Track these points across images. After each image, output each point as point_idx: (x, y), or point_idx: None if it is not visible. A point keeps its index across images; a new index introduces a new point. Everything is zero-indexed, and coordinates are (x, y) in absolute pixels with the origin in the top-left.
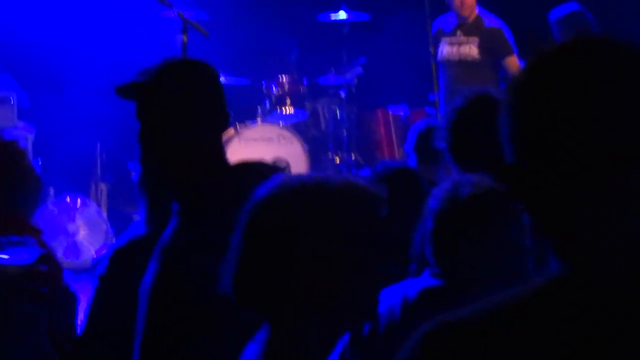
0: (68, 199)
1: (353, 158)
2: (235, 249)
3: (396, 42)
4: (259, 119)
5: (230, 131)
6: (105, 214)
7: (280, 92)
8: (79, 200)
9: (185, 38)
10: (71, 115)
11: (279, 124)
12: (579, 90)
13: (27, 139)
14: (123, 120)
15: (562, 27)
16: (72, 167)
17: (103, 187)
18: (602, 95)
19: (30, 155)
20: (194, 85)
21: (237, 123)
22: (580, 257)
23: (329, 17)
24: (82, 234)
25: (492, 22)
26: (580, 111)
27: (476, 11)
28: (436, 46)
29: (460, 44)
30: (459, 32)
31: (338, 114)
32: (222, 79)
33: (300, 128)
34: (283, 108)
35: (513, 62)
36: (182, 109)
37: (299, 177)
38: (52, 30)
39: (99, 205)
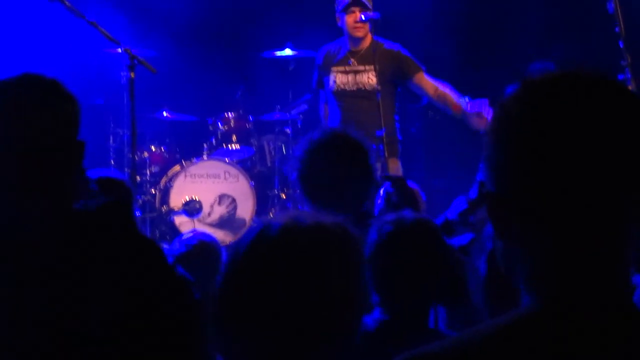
0: None
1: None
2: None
3: None
4: (205, 156)
5: (176, 168)
6: None
7: (226, 129)
8: None
9: (132, 74)
10: None
11: (225, 161)
12: (567, 129)
13: None
14: None
15: None
16: None
17: None
18: (590, 136)
19: None
20: None
21: (182, 160)
22: (555, 288)
23: (274, 54)
24: None
25: (389, 45)
26: (568, 150)
27: (370, 36)
28: (323, 76)
29: (356, 72)
30: (353, 60)
31: (284, 150)
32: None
33: (246, 164)
34: (229, 144)
35: (424, 80)
36: None
37: (275, 223)
38: None
39: None
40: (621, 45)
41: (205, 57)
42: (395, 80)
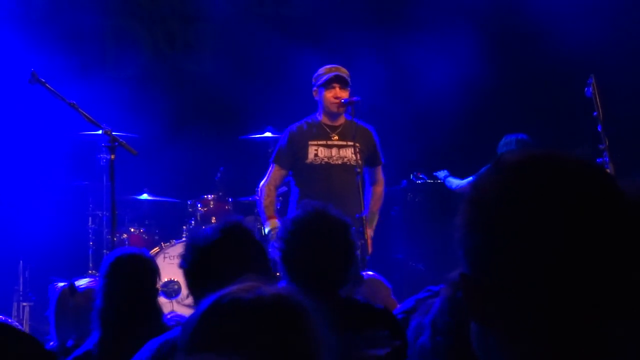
0: None
1: (278, 274)
2: None
3: None
4: (184, 237)
5: (155, 249)
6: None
7: (205, 210)
8: None
9: (112, 156)
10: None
11: None
12: (543, 213)
13: None
14: (46, 237)
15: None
16: None
17: (25, 305)
18: (567, 223)
19: None
20: None
21: (161, 241)
22: None
23: (254, 136)
24: None
25: (364, 124)
26: (545, 235)
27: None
28: (297, 152)
29: (339, 146)
30: (333, 135)
31: (263, 232)
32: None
33: None
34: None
35: (379, 173)
36: None
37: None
38: None
39: (21, 324)
40: (599, 129)
41: (185, 139)
42: (368, 159)
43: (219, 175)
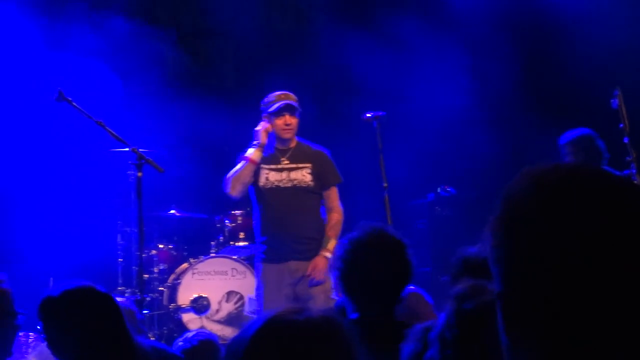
0: (21, 335)
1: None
2: None
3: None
4: (212, 253)
5: (184, 265)
6: None
7: (233, 226)
8: (31, 336)
9: (139, 173)
10: (24, 252)
11: (233, 258)
12: (580, 231)
13: None
14: (76, 254)
15: (571, 150)
16: (25, 302)
17: None
18: (605, 241)
19: None
20: None
21: (190, 257)
22: None
23: None
24: None
25: (316, 146)
26: (583, 252)
27: (294, 137)
28: (254, 174)
29: (290, 169)
30: (283, 159)
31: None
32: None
33: (253, 261)
34: (236, 242)
35: (333, 194)
36: None
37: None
38: (5, 167)
39: None
40: (626, 141)
41: (212, 155)
42: (323, 181)
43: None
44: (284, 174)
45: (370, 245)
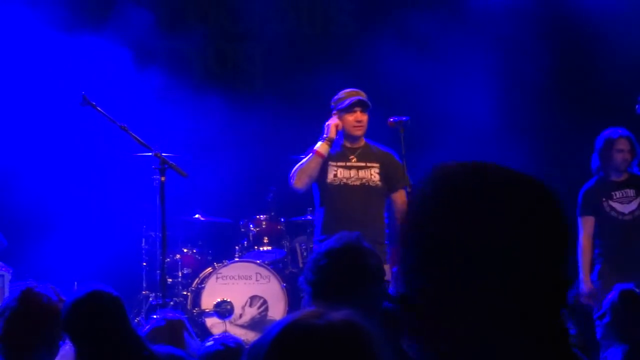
0: None
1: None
2: None
3: None
4: (236, 257)
5: (208, 270)
6: None
7: (258, 231)
8: None
9: (163, 178)
10: (49, 256)
11: (257, 262)
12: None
13: (4, 279)
14: (100, 258)
15: (626, 145)
16: None
17: None
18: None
19: (4, 294)
20: None
21: (214, 261)
22: None
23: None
24: None
25: (384, 148)
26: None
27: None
28: (319, 170)
29: (358, 168)
30: (352, 157)
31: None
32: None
33: (278, 266)
34: (261, 246)
35: (404, 197)
36: None
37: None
38: (31, 172)
39: None
40: None
41: (237, 160)
42: (390, 183)
43: (270, 195)
44: (353, 172)
45: (342, 259)
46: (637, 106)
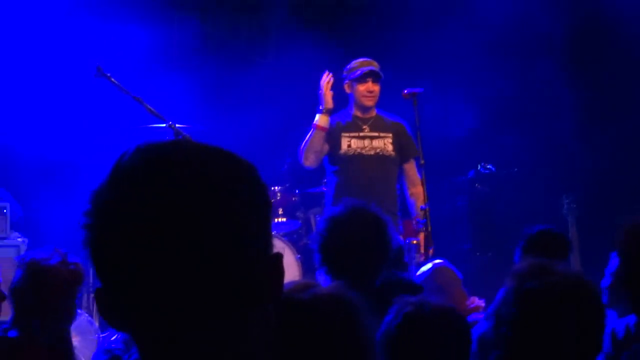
0: None
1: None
2: None
3: None
4: None
5: None
6: (97, 324)
7: (273, 202)
8: None
9: None
10: (61, 228)
11: (272, 233)
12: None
13: (20, 250)
14: None
15: None
16: None
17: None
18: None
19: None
20: None
21: None
22: None
23: None
24: (73, 343)
25: (395, 117)
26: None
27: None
28: (332, 142)
29: (372, 138)
30: (365, 127)
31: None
32: None
33: (292, 237)
34: (275, 218)
35: (413, 168)
36: None
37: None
38: (46, 140)
39: (90, 315)
40: None
41: (250, 130)
42: (402, 153)
43: (285, 166)
44: (367, 142)
45: (350, 222)
46: None
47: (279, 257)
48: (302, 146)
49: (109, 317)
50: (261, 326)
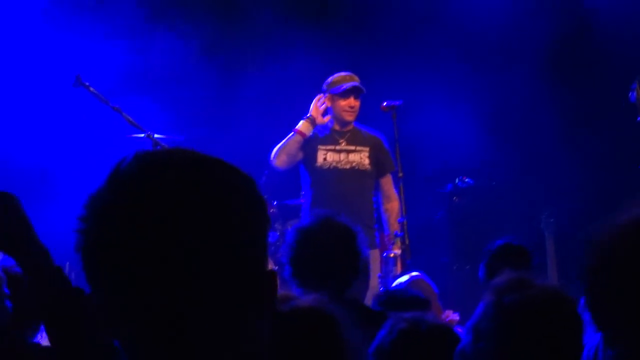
0: None
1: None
2: None
3: None
4: None
5: None
6: None
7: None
8: None
9: None
10: (43, 233)
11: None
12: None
13: None
14: None
15: None
16: None
17: None
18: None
19: None
20: None
21: None
22: None
23: None
24: None
25: (372, 131)
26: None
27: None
28: (308, 154)
29: (348, 151)
30: (342, 141)
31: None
32: None
33: (270, 249)
34: None
35: (389, 183)
36: None
37: None
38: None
39: None
40: None
41: (229, 142)
42: (379, 167)
43: (264, 178)
44: (343, 155)
45: (318, 233)
46: (630, 94)
47: (274, 273)
48: (277, 146)
49: (100, 322)
50: (255, 340)
